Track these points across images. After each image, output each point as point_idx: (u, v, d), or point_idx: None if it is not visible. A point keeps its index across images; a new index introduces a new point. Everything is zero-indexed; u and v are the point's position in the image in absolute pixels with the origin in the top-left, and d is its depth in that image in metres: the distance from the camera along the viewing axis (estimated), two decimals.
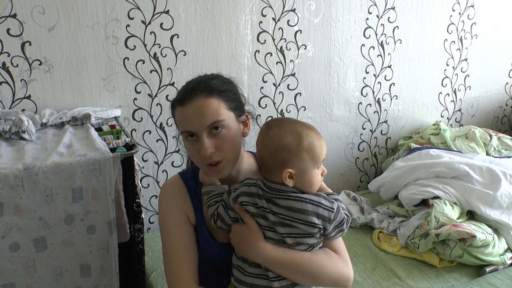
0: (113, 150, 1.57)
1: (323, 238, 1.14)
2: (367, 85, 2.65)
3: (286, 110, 2.46)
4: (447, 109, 3.00)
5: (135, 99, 2.10)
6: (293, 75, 2.42)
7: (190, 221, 1.24)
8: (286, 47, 2.35)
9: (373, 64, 2.62)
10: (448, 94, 2.96)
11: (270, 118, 2.30)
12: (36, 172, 1.41)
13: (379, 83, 2.68)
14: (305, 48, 2.40)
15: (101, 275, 1.61)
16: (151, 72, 2.09)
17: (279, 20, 2.29)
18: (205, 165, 1.14)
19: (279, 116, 2.44)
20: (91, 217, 1.53)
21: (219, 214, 1.17)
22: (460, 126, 3.08)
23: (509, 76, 3.15)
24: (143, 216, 1.75)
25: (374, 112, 2.73)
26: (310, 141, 1.08)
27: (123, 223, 1.63)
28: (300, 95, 2.47)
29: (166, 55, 2.10)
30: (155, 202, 2.28)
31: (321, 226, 1.08)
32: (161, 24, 2.05)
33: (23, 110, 1.88)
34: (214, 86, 1.13)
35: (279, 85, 2.40)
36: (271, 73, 2.36)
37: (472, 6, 2.81)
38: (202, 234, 1.23)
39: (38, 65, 1.87)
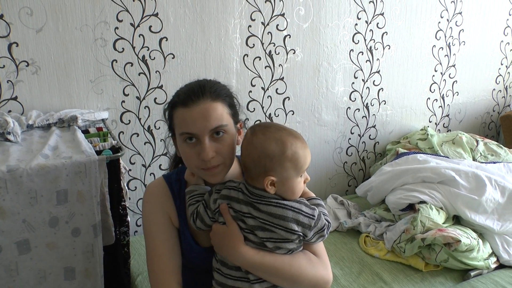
0: (99, 152, 1.56)
1: (303, 242, 1.14)
2: (355, 90, 2.66)
3: (275, 114, 2.47)
4: (435, 115, 3.03)
5: (123, 101, 2.09)
6: (282, 79, 2.43)
7: (174, 224, 1.24)
8: (275, 52, 2.36)
9: (361, 69, 2.64)
10: (436, 100, 2.99)
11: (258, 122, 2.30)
12: (20, 174, 1.40)
13: (367, 88, 2.70)
14: (294, 53, 2.41)
15: (86, 278, 1.60)
16: (139, 74, 2.09)
17: (268, 24, 2.30)
18: (201, 169, 1.14)
19: (267, 120, 2.45)
20: (76, 219, 1.53)
21: (199, 213, 1.17)
22: (448, 131, 3.10)
23: (496, 82, 3.19)
24: (130, 219, 1.75)
25: (362, 117, 2.75)
26: (294, 151, 1.08)
27: (108, 226, 1.62)
28: (289, 100, 2.48)
29: (154, 58, 2.09)
30: None
31: (300, 233, 1.09)
32: (150, 27, 2.05)
33: (9, 111, 1.87)
34: (219, 91, 1.14)
35: (267, 89, 2.41)
36: (260, 77, 2.37)
37: (460, 13, 2.84)
38: (185, 237, 1.23)
39: (25, 66, 1.86)
